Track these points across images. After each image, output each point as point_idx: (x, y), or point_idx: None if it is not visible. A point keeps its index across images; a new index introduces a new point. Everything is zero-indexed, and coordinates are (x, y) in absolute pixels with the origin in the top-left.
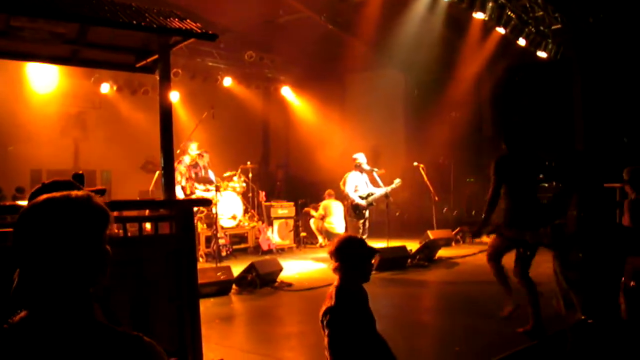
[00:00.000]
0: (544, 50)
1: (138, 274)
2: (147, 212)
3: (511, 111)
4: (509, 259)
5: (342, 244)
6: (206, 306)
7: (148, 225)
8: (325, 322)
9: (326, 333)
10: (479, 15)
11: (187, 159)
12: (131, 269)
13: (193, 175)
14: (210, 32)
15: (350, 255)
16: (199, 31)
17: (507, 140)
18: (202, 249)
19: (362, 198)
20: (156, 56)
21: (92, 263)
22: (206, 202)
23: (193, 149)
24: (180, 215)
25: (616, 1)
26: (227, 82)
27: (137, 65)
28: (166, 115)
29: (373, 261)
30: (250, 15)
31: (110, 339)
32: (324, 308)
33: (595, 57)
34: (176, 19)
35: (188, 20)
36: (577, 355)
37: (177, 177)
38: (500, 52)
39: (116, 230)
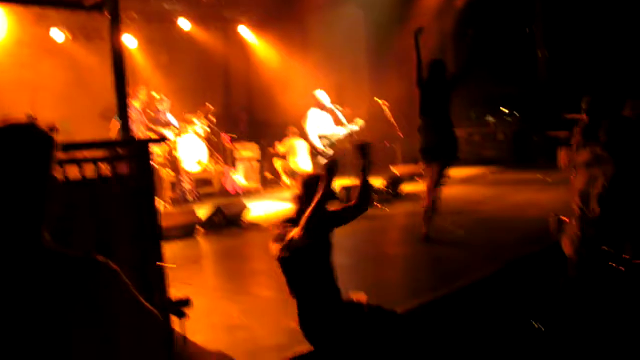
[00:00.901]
0: None
1: (97, 216)
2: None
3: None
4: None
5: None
6: (172, 249)
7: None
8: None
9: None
10: None
11: (136, 104)
12: (89, 210)
13: (153, 120)
14: None
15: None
16: None
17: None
18: (167, 195)
19: (321, 138)
20: None
21: (38, 189)
22: (161, 140)
23: (143, 94)
24: (137, 154)
25: None
26: (185, 24)
27: (87, 3)
28: (117, 56)
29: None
30: None
31: (59, 262)
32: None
33: None
34: None
35: None
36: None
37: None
38: None
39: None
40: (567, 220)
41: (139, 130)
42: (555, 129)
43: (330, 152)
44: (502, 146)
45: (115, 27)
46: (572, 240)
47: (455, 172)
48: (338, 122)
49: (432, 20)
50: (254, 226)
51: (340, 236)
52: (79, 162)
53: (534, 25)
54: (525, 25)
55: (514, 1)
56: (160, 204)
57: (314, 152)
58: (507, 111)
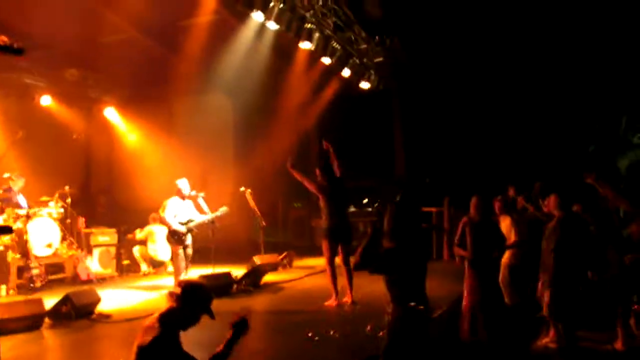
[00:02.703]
0: (367, 81)
1: None
2: None
3: (335, 139)
4: None
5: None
6: (13, 344)
7: None
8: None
9: None
10: (305, 45)
11: None
12: None
13: (3, 200)
14: (16, 46)
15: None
16: (2, 44)
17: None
18: (13, 281)
19: (181, 224)
20: None
21: None
22: (5, 230)
23: None
24: None
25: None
26: (46, 100)
27: None
28: None
29: None
30: (75, 32)
31: None
32: (146, 339)
33: (414, 90)
34: None
35: None
36: None
37: None
38: (326, 81)
39: None
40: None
41: None
42: None
43: (189, 240)
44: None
45: None
46: None
47: (315, 261)
48: (200, 210)
49: (296, 114)
50: (107, 318)
51: (196, 330)
52: None
53: (393, 123)
54: (384, 124)
55: (373, 102)
56: (2, 291)
57: (174, 240)
58: (366, 201)
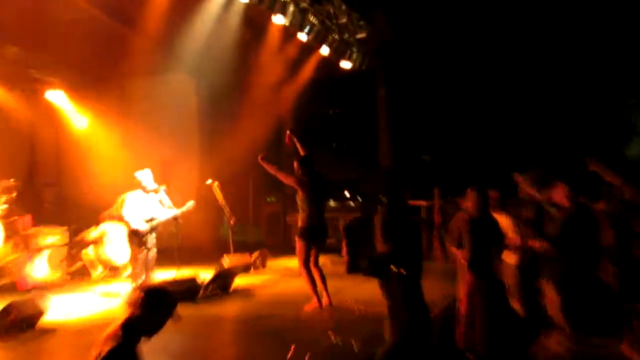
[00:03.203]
0: (349, 59)
1: None
2: None
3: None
4: None
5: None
6: None
7: None
8: None
9: None
10: (279, 19)
11: None
12: None
13: None
14: None
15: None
16: None
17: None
18: None
19: (144, 222)
20: None
21: None
22: None
23: None
24: None
25: (425, 9)
26: None
27: None
28: None
29: None
30: (15, 6)
31: None
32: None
33: (400, 70)
34: None
35: None
36: None
37: None
38: (303, 61)
39: None
40: None
41: None
42: None
43: (152, 240)
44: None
45: None
46: None
47: (291, 261)
48: (163, 204)
49: (270, 97)
50: (54, 330)
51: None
52: None
53: (377, 107)
54: (368, 107)
55: (355, 84)
56: None
57: (134, 241)
58: (348, 195)
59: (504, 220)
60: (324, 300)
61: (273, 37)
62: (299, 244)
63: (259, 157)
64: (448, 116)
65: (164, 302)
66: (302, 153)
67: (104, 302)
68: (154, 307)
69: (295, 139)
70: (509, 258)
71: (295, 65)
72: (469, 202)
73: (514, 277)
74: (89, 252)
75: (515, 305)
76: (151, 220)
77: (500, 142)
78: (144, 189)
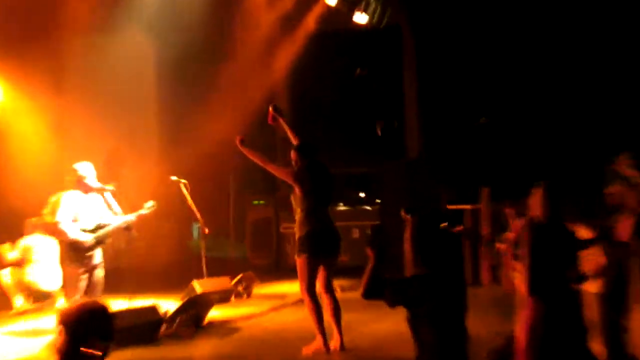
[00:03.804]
0: (365, 12)
1: None
2: None
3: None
4: None
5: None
6: None
7: None
8: None
9: None
10: None
11: None
12: None
13: None
14: None
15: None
16: None
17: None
18: None
19: (86, 232)
20: None
21: None
22: None
23: None
24: None
25: None
26: None
27: None
28: None
29: None
30: None
31: None
32: None
33: (434, 28)
34: None
35: None
36: None
37: None
38: (302, 13)
39: None
40: None
41: None
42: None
43: (98, 257)
44: (357, 246)
45: None
46: None
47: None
48: (110, 207)
49: (257, 63)
50: None
51: None
52: None
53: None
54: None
55: (373, 45)
56: None
57: (72, 257)
58: (364, 196)
59: (584, 234)
60: (334, 341)
61: None
62: (299, 262)
63: (237, 141)
64: (499, 86)
65: (84, 320)
66: (293, 140)
67: (28, 343)
68: (76, 332)
69: (281, 120)
70: (588, 284)
71: (291, 20)
72: (533, 204)
73: (595, 309)
74: (6, 277)
75: (597, 346)
76: (97, 229)
77: (568, 123)
78: (84, 187)
